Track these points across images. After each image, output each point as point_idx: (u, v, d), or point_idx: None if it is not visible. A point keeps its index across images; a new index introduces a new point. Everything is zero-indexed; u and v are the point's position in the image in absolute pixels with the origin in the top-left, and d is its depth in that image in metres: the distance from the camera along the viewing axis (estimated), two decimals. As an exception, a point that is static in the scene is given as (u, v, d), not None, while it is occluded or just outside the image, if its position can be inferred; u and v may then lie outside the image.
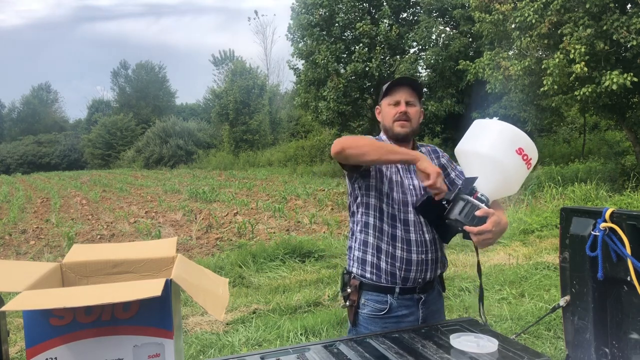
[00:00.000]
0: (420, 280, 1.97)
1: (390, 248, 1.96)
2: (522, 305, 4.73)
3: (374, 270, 1.99)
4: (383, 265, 1.97)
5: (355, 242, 2.06)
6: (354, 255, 2.07)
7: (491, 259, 6.70)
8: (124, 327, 1.13)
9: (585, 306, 1.69)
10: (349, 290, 2.03)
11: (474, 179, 1.72)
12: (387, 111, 2.04)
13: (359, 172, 1.98)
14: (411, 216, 1.96)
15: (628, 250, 1.49)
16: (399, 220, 1.96)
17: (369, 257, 2.00)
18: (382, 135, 2.13)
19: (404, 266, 1.95)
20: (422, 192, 1.96)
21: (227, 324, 4.76)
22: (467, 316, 1.89)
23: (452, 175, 2.11)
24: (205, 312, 4.96)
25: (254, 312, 5.06)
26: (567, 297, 1.77)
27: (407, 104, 2.01)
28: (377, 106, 2.15)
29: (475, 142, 1.78)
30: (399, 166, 2.03)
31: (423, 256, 1.95)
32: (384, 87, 2.07)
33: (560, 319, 1.93)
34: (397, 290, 1.97)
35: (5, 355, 1.25)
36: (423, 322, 1.98)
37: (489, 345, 1.58)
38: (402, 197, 1.97)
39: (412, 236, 1.95)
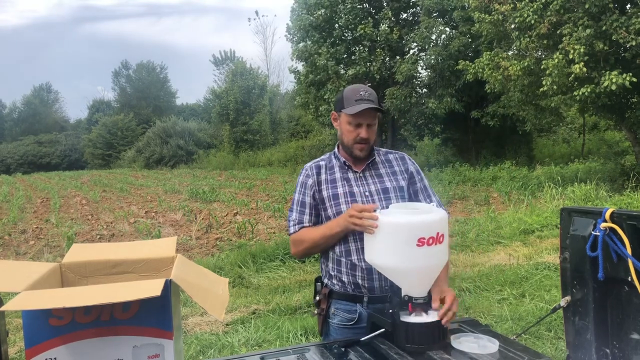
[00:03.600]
0: (387, 288, 1.92)
1: (348, 260, 1.98)
2: (523, 306, 4.73)
3: (339, 283, 2.03)
4: (345, 277, 2.01)
5: (322, 256, 2.14)
6: (322, 266, 2.15)
7: (491, 259, 6.69)
8: (123, 327, 1.13)
9: (585, 306, 1.69)
10: (318, 298, 2.08)
11: (398, 291, 1.66)
12: (347, 130, 2.04)
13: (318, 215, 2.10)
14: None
15: (628, 250, 1.49)
16: (349, 232, 1.96)
17: (332, 272, 2.05)
18: (338, 153, 2.15)
19: (365, 275, 1.96)
20: (380, 195, 2.04)
21: (226, 325, 4.76)
22: (467, 316, 1.88)
23: (418, 185, 2.14)
24: (205, 313, 4.95)
25: (253, 313, 5.06)
26: (568, 298, 1.77)
27: (368, 126, 2.02)
28: (333, 112, 2.13)
29: (376, 253, 1.69)
30: (350, 176, 2.08)
31: (366, 264, 1.90)
32: (346, 97, 2.02)
33: (561, 320, 1.93)
34: (366, 299, 1.98)
35: (5, 356, 1.25)
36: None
37: (490, 345, 1.58)
38: (350, 206, 2.00)
39: (352, 246, 1.98)
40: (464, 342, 1.61)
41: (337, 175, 2.10)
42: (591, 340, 1.67)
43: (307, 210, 2.08)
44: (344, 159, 2.11)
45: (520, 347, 1.60)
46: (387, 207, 1.84)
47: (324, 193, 2.06)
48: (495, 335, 1.69)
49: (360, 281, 1.97)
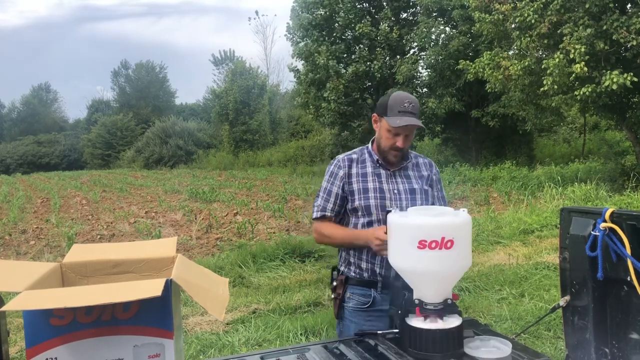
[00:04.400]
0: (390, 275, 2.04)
1: (371, 249, 2.07)
2: (522, 305, 4.73)
3: (357, 270, 2.18)
4: (364, 264, 2.16)
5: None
6: (341, 255, 2.28)
7: (491, 259, 6.70)
8: (124, 327, 1.13)
9: (585, 306, 1.69)
10: (334, 284, 2.23)
11: (410, 296, 1.65)
12: (385, 136, 2.14)
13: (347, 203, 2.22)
14: (377, 220, 2.13)
15: (628, 251, 1.49)
16: (376, 222, 2.12)
17: (352, 259, 2.20)
18: (372, 148, 2.25)
19: (384, 264, 2.10)
20: (408, 195, 2.17)
21: (227, 324, 4.76)
22: (467, 316, 1.89)
23: (436, 195, 2.27)
24: (205, 312, 4.96)
25: (254, 312, 5.06)
26: (567, 297, 1.77)
27: (405, 136, 2.12)
28: (374, 114, 2.21)
29: (389, 252, 1.70)
30: (382, 172, 2.20)
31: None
32: (390, 105, 2.09)
33: (560, 319, 1.93)
34: (380, 285, 2.13)
35: (6, 355, 1.25)
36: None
37: (503, 348, 1.54)
38: (380, 202, 2.14)
39: None
40: (477, 347, 1.57)
41: (369, 169, 2.20)
42: (590, 339, 1.67)
43: (332, 199, 2.20)
44: (377, 157, 2.21)
45: (519, 347, 1.60)
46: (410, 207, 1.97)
47: (354, 186, 2.17)
48: (494, 334, 1.69)
49: (377, 269, 2.12)
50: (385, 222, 1.90)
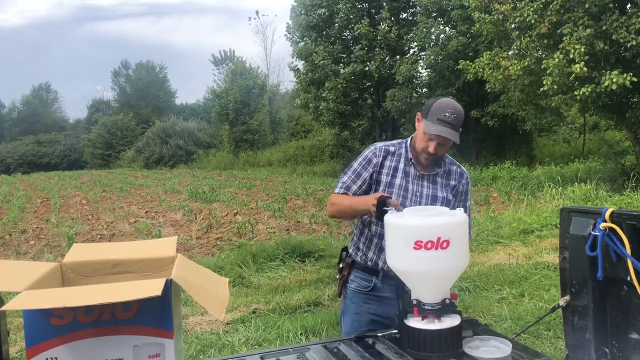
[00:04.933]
0: None
1: (379, 242, 2.18)
2: (522, 305, 4.73)
3: (363, 257, 2.28)
4: (370, 254, 2.25)
5: (357, 228, 2.33)
6: (353, 239, 2.36)
7: (491, 258, 6.70)
8: (124, 327, 1.13)
9: (585, 306, 1.69)
10: (341, 265, 2.35)
11: (407, 296, 1.66)
12: (421, 138, 2.16)
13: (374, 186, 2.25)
14: None
15: (628, 250, 1.49)
16: None
17: (361, 245, 2.29)
18: (409, 144, 2.25)
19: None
20: (429, 201, 2.20)
21: (227, 324, 4.76)
22: (467, 316, 1.89)
23: (457, 206, 2.21)
24: (205, 312, 4.96)
25: (254, 312, 5.06)
26: (567, 297, 1.77)
27: (439, 144, 2.13)
28: (419, 113, 2.22)
29: (387, 253, 1.71)
30: (411, 171, 2.22)
31: None
32: (432, 109, 2.10)
33: (560, 319, 1.93)
34: (381, 274, 2.22)
35: (6, 355, 1.25)
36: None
37: (503, 347, 1.54)
38: (400, 200, 2.15)
39: None
40: (476, 347, 1.57)
41: (401, 165, 2.23)
42: (590, 339, 1.67)
43: (359, 182, 2.22)
44: (411, 156, 2.23)
45: (519, 347, 1.60)
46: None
47: (383, 177, 2.21)
48: (494, 334, 1.69)
49: (381, 263, 2.20)
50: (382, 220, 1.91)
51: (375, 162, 2.21)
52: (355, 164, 2.25)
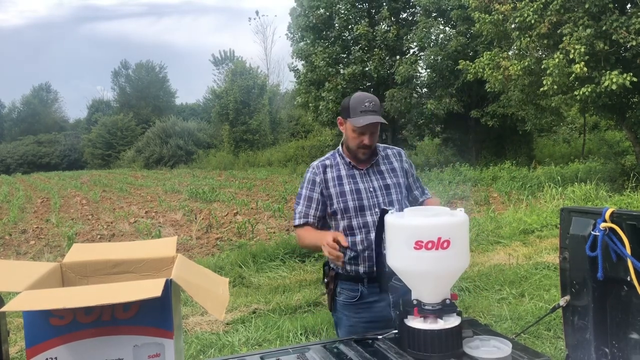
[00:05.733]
0: (374, 271, 2.17)
1: (353, 251, 2.22)
2: (522, 305, 4.73)
3: (345, 267, 2.26)
4: (348, 266, 2.25)
5: None
6: None
7: (491, 258, 6.70)
8: (124, 327, 1.13)
9: (585, 306, 1.69)
10: (326, 280, 2.34)
11: (408, 297, 1.65)
12: (352, 136, 2.22)
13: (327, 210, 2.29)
14: (355, 221, 2.22)
15: (628, 250, 1.49)
16: (356, 223, 2.23)
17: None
18: (342, 151, 2.32)
19: (366, 264, 2.22)
20: (383, 191, 2.25)
21: (227, 324, 4.76)
22: (467, 316, 1.89)
23: (410, 180, 2.39)
24: (205, 312, 4.96)
25: (254, 312, 5.06)
26: (567, 297, 1.77)
27: (371, 134, 2.20)
28: (339, 117, 2.29)
29: (387, 253, 1.71)
30: (355, 173, 2.28)
31: (368, 252, 2.19)
32: (351, 107, 2.18)
33: (560, 319, 1.93)
34: (366, 280, 2.23)
35: (6, 355, 1.25)
36: (394, 307, 2.18)
37: (504, 347, 1.54)
38: (357, 203, 2.22)
39: (357, 238, 2.22)
40: (476, 347, 1.57)
41: (343, 172, 2.29)
42: (590, 339, 1.67)
43: (314, 205, 2.28)
44: (349, 160, 2.29)
45: (519, 347, 1.60)
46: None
47: (332, 190, 2.26)
48: (494, 334, 1.69)
49: (362, 269, 2.22)
50: (380, 221, 1.91)
51: (319, 180, 2.27)
52: (303, 191, 2.31)
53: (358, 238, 2.21)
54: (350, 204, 2.22)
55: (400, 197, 2.28)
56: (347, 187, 2.25)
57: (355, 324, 2.25)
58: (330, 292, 2.32)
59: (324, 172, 2.28)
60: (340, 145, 2.36)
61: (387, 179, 2.29)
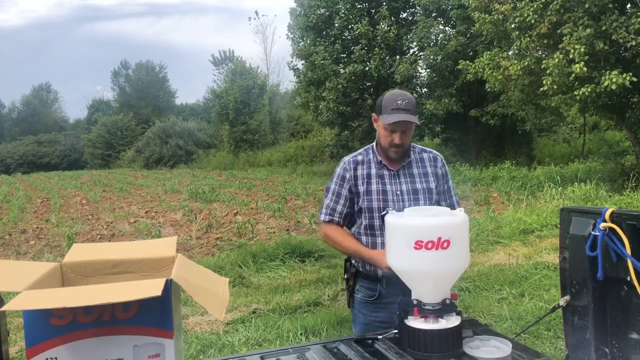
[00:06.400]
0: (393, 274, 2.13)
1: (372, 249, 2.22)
2: (522, 305, 4.73)
3: (365, 265, 2.27)
4: (368, 266, 2.25)
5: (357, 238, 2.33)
6: None
7: (491, 258, 6.70)
8: (124, 327, 1.13)
9: (585, 306, 1.69)
10: (346, 276, 2.34)
11: (408, 300, 1.64)
12: (383, 134, 2.19)
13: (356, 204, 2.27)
14: (377, 222, 2.19)
15: (628, 250, 1.49)
16: (377, 227, 2.21)
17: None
18: (375, 147, 2.29)
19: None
20: (410, 196, 2.21)
21: (227, 324, 4.76)
22: (467, 316, 1.89)
23: (442, 187, 2.31)
24: (205, 312, 4.96)
25: (254, 312, 5.06)
26: (567, 297, 1.77)
27: (403, 132, 2.15)
28: (374, 114, 2.25)
29: (387, 253, 1.72)
30: (385, 173, 2.24)
31: None
32: (384, 104, 2.14)
33: (560, 319, 1.93)
34: (385, 281, 2.21)
35: (6, 355, 1.25)
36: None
37: (504, 347, 1.54)
38: (382, 204, 2.19)
39: (378, 239, 2.21)
40: (476, 347, 1.57)
41: (373, 171, 2.24)
42: (590, 339, 1.67)
43: (342, 201, 2.26)
44: (380, 158, 2.25)
45: (519, 347, 1.60)
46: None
47: (360, 188, 2.23)
48: (494, 334, 1.69)
49: (379, 272, 2.19)
50: (383, 226, 1.92)
51: (349, 176, 2.24)
52: (332, 185, 2.29)
53: (379, 240, 2.19)
54: (375, 204, 2.19)
55: (429, 204, 2.20)
56: (374, 187, 2.21)
57: (370, 323, 2.24)
58: (349, 289, 2.32)
59: (355, 169, 2.25)
60: (375, 142, 2.32)
61: (417, 183, 2.22)
